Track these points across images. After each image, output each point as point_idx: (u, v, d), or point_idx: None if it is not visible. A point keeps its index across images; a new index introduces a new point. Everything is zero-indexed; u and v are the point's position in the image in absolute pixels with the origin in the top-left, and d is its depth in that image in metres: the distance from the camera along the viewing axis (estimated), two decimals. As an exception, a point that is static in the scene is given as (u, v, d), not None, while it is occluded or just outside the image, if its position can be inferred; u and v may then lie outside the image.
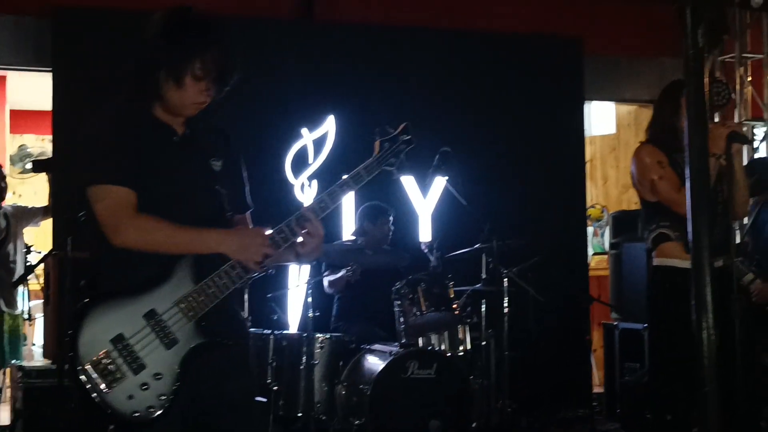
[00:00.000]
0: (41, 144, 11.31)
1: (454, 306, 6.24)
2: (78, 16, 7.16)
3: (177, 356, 2.85)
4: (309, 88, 7.62)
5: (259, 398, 5.79)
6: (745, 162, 6.87)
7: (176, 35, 2.94)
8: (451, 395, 5.91)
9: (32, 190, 10.47)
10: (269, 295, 6.50)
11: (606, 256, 9.87)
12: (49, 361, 6.02)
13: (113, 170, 2.91)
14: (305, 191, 7.46)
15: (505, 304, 6.51)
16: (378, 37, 7.95)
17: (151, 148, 2.97)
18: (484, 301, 6.57)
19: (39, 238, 8.08)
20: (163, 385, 2.83)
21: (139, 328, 2.83)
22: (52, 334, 5.88)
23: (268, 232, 2.98)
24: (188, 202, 2.98)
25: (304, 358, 6.12)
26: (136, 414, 2.80)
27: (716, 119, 6.93)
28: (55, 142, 7.19)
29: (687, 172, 3.66)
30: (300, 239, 3.01)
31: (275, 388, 6.10)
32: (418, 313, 6.15)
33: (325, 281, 6.79)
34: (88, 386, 2.79)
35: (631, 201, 9.97)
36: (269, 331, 6.24)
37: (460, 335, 6.35)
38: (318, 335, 6.21)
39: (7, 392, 6.92)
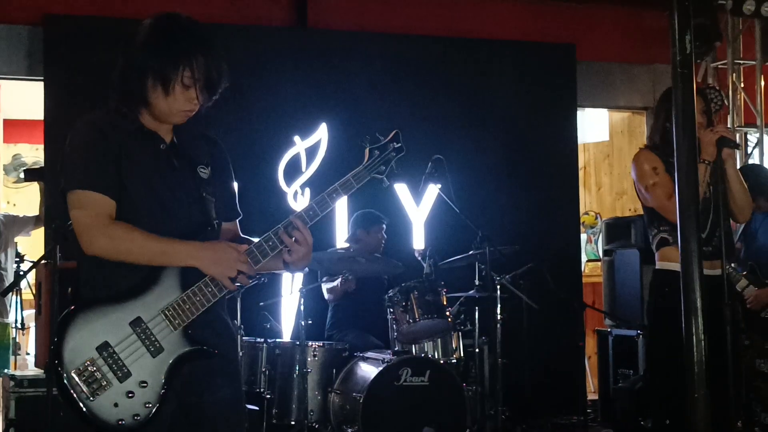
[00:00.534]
0: (35, 153, 11.28)
1: (447, 313, 6.23)
2: (70, 25, 7.16)
3: (163, 364, 2.83)
4: (302, 96, 7.62)
5: (251, 407, 5.82)
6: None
7: (165, 42, 2.92)
8: (444, 402, 5.90)
9: (26, 200, 10.43)
10: (261, 304, 6.50)
11: (600, 263, 9.87)
12: (41, 371, 5.99)
13: (90, 177, 2.88)
14: (298, 199, 7.46)
15: (498, 311, 6.51)
16: (371, 45, 7.95)
17: (137, 156, 2.94)
18: (477, 308, 6.56)
19: (32, 247, 8.06)
20: (148, 393, 2.81)
21: (124, 336, 2.81)
22: (44, 343, 5.86)
23: (244, 247, 2.95)
24: (175, 210, 2.96)
25: (297, 367, 6.11)
26: (122, 422, 2.78)
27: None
28: (46, 150, 7.18)
29: (676, 177, 3.68)
30: (288, 248, 2.99)
31: (268, 396, 6.09)
32: (411, 320, 6.15)
33: (324, 289, 6.79)
34: (74, 394, 2.76)
35: (624, 208, 9.98)
36: (262, 340, 6.24)
37: (453, 342, 6.34)
38: (311, 343, 6.20)
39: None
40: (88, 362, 2.78)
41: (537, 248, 7.34)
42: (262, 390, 6.10)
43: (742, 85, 8.74)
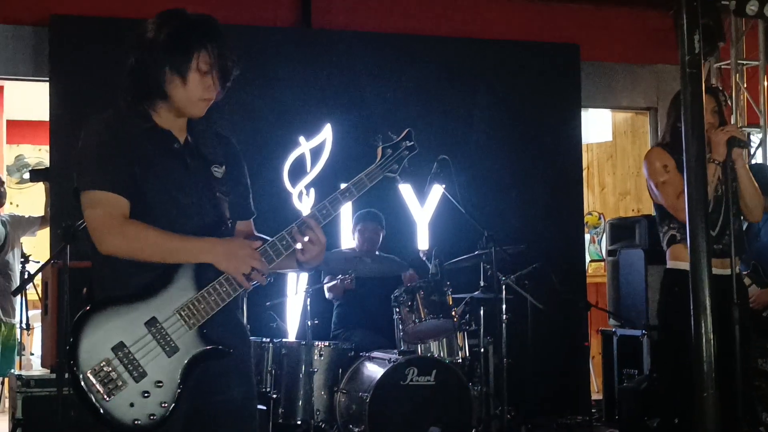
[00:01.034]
0: (38, 154, 11.31)
1: (453, 313, 6.24)
2: (75, 26, 7.17)
3: (178, 364, 2.84)
4: (306, 97, 7.63)
5: (258, 406, 5.82)
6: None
7: (176, 32, 2.94)
8: (450, 402, 5.91)
9: (30, 201, 10.45)
10: (268, 303, 6.51)
11: (603, 263, 9.89)
12: (48, 370, 6.00)
13: (104, 176, 2.88)
14: (303, 199, 7.47)
15: (504, 311, 6.51)
16: (375, 45, 7.96)
17: (150, 155, 2.95)
18: (482, 308, 6.58)
19: (37, 247, 8.08)
20: (164, 393, 2.82)
21: (140, 336, 2.81)
22: (51, 343, 5.87)
23: (258, 244, 2.96)
24: (189, 210, 2.96)
25: (303, 366, 6.13)
26: (137, 422, 2.78)
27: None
28: (52, 151, 7.19)
29: (685, 179, 3.69)
30: (300, 246, 3.00)
31: (274, 396, 6.10)
32: (417, 320, 6.16)
33: (325, 287, 6.81)
34: (89, 394, 2.77)
35: (627, 208, 10.00)
36: (268, 339, 6.25)
37: (459, 342, 6.35)
38: (317, 343, 6.21)
39: (5, 402, 6.92)
40: (104, 362, 2.78)
41: (541, 248, 7.33)
42: (268, 390, 6.11)
43: (746, 85, 8.76)
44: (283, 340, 6.39)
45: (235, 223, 3.13)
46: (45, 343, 6.18)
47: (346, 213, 7.30)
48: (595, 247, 10.30)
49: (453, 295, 6.36)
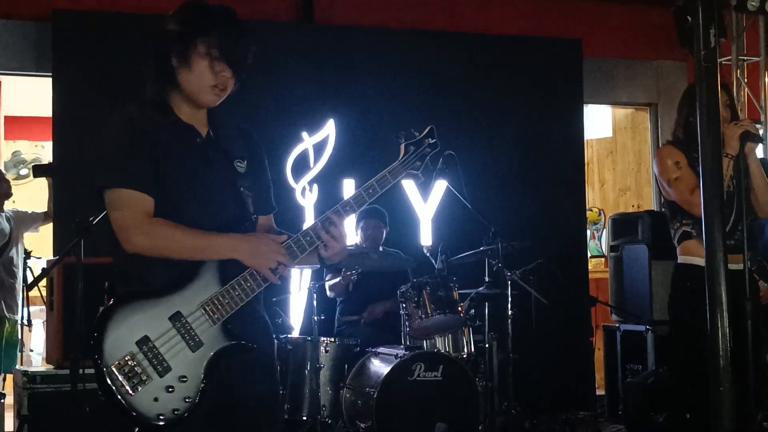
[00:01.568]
0: (35, 150, 11.28)
1: (459, 308, 6.24)
2: (78, 21, 7.15)
3: (203, 359, 2.82)
4: (309, 92, 7.62)
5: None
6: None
7: (182, 19, 2.95)
8: (457, 397, 5.90)
9: (27, 196, 10.41)
10: (274, 299, 6.50)
11: (603, 259, 9.90)
12: (52, 366, 5.98)
13: (127, 174, 2.87)
14: (306, 195, 7.46)
15: (509, 307, 6.51)
16: (377, 40, 7.95)
17: (173, 150, 2.93)
18: (487, 303, 6.57)
19: (33, 243, 8.03)
20: (188, 388, 2.80)
21: (164, 331, 2.80)
22: (57, 339, 5.84)
23: (283, 239, 2.95)
24: (213, 205, 2.95)
25: (309, 362, 6.11)
26: (161, 416, 2.77)
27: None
28: (55, 146, 7.16)
29: (700, 171, 3.69)
30: (324, 243, 2.99)
31: (281, 391, 6.07)
32: (423, 315, 6.14)
33: (327, 286, 6.78)
34: (114, 389, 2.75)
35: (627, 204, 10.00)
36: (274, 335, 6.22)
37: (464, 338, 6.34)
38: (323, 339, 6.20)
39: (8, 399, 6.89)
40: (128, 356, 2.77)
41: (543, 244, 7.33)
42: (273, 385, 6.08)
43: (746, 81, 8.77)
44: (289, 335, 6.38)
45: (258, 218, 3.12)
46: (50, 339, 6.15)
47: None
48: (595, 243, 10.31)
49: (459, 291, 6.34)
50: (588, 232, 10.02)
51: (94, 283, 4.96)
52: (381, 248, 6.81)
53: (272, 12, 7.93)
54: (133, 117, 2.95)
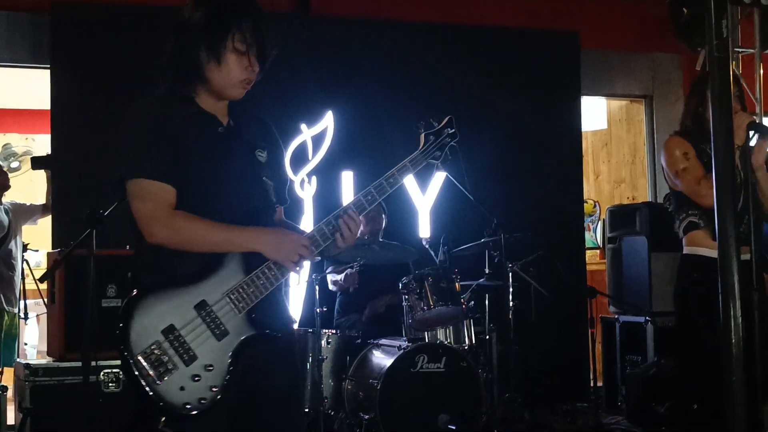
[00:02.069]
0: (25, 143, 11.20)
1: (461, 300, 6.24)
2: (78, 12, 7.10)
3: (228, 348, 2.82)
4: (307, 84, 7.59)
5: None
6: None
7: (211, 12, 2.91)
8: (460, 389, 5.91)
9: (18, 189, 10.35)
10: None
11: (598, 251, 9.92)
12: (51, 359, 5.95)
13: (151, 165, 2.85)
14: (305, 187, 7.45)
15: (510, 298, 6.53)
16: (376, 32, 7.94)
17: (195, 140, 2.92)
18: (487, 295, 6.58)
19: (34, 236, 7.99)
20: (214, 377, 2.79)
21: (190, 319, 2.79)
22: (59, 332, 5.81)
23: (309, 232, 2.96)
24: (237, 194, 2.94)
25: (311, 354, 6.11)
26: (188, 405, 2.76)
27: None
28: (53, 138, 7.11)
29: (713, 164, 3.70)
30: (342, 234, 2.98)
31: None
32: (425, 307, 6.14)
33: (329, 280, 6.77)
34: (140, 378, 2.74)
35: (623, 196, 10.03)
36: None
37: (465, 329, 6.35)
38: (325, 331, 6.20)
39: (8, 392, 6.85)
40: (154, 345, 2.76)
41: (541, 236, 7.34)
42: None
43: (741, 73, 8.78)
44: (291, 328, 6.36)
45: (279, 208, 3.12)
46: (51, 331, 6.11)
47: (346, 199, 7.27)
48: (590, 234, 10.32)
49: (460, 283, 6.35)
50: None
51: (101, 275, 4.95)
52: (381, 239, 6.81)
53: (269, 3, 7.86)
54: (153, 107, 2.93)
